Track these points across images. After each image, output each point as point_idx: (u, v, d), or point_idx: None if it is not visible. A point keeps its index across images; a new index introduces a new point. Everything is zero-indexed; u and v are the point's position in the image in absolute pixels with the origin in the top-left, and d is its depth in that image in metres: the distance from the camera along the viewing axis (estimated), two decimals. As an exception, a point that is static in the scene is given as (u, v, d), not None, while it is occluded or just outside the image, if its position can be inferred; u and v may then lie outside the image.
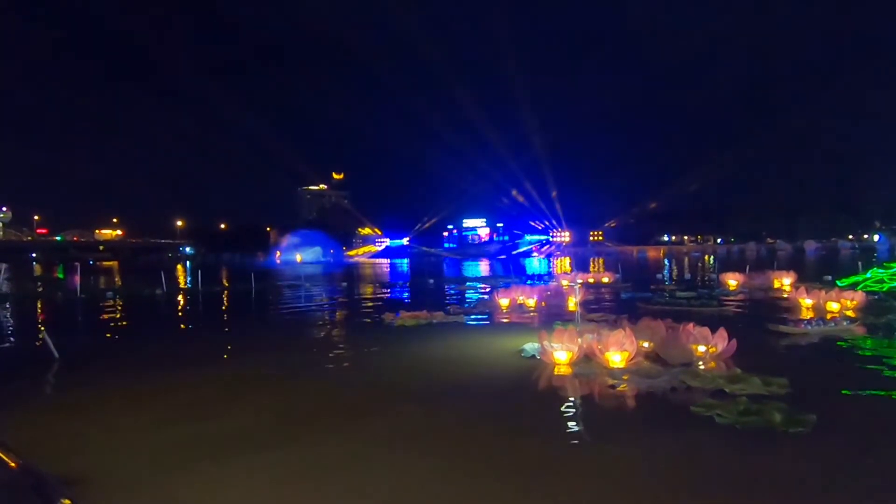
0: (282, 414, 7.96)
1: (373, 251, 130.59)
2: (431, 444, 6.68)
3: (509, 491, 5.39)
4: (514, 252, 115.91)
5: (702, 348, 10.04)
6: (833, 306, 16.48)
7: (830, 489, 5.31)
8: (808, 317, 15.61)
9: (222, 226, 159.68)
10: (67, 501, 2.14)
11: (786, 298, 20.72)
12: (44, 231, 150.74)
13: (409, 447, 6.59)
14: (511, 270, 43.88)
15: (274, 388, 9.53)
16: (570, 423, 7.46)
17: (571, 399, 8.47)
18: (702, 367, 9.64)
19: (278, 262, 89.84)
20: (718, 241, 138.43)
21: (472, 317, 18.00)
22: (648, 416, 7.63)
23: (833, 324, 14.05)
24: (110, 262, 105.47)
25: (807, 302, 17.60)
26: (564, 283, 27.21)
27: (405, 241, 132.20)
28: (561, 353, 10.21)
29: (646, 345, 10.50)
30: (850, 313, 15.79)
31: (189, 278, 45.02)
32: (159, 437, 7.00)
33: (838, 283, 21.40)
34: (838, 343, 12.36)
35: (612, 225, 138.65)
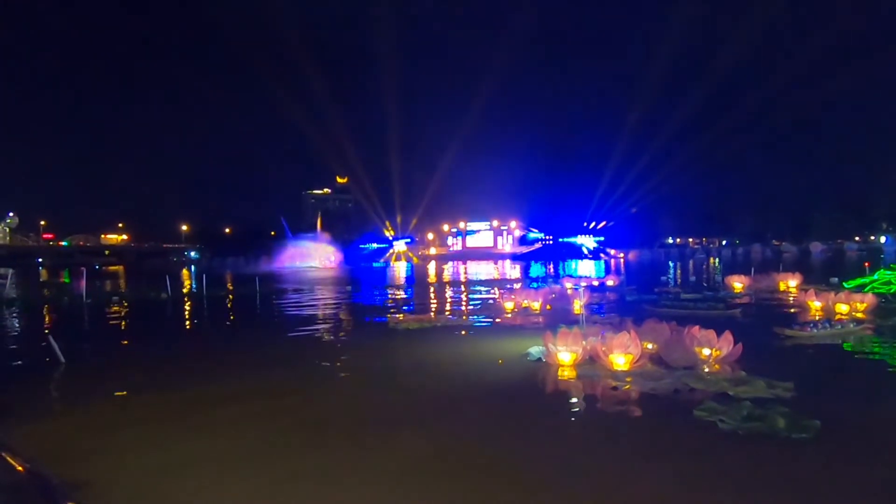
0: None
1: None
2: (437, 444, 6.68)
3: (510, 491, 5.40)
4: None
5: (706, 351, 10.01)
6: (842, 308, 16.37)
7: (831, 497, 5.27)
8: (816, 319, 15.52)
9: (227, 230, 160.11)
10: (73, 504, 2.16)
11: (792, 301, 20.63)
12: (50, 236, 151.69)
13: (414, 447, 6.61)
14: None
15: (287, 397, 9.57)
16: (572, 425, 7.45)
17: (574, 401, 8.45)
18: (706, 370, 9.61)
19: (282, 266, 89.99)
20: (723, 242, 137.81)
21: (477, 319, 17.98)
22: (651, 419, 7.60)
23: (840, 326, 13.95)
24: (116, 267, 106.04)
25: (816, 304, 17.50)
26: (569, 285, 27.16)
27: (401, 244, 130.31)
28: (565, 356, 10.19)
29: (650, 346, 10.47)
30: (860, 315, 15.69)
31: (194, 282, 45.15)
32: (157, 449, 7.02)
33: (845, 284, 21.29)
34: (846, 346, 12.29)
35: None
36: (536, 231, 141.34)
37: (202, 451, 6.75)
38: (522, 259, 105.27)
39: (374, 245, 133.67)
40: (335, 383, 10.27)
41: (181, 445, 6.86)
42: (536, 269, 61.70)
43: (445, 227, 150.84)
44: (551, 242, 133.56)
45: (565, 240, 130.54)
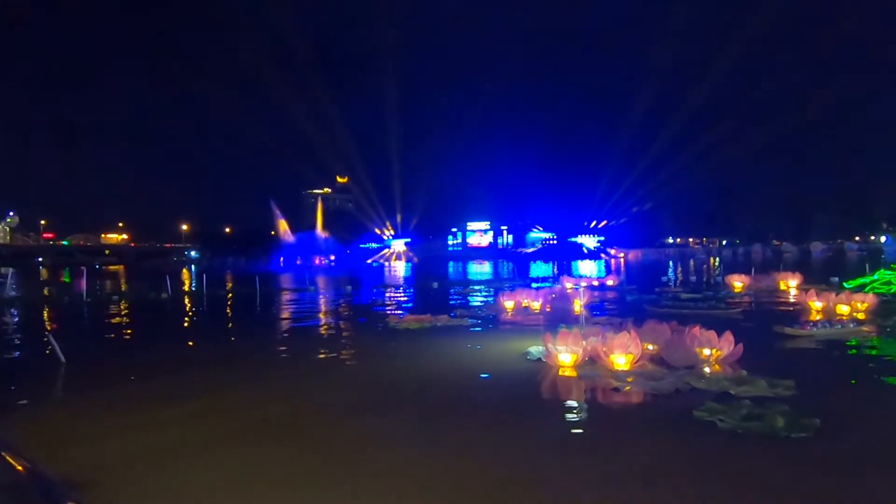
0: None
1: None
2: (437, 449, 6.68)
3: (511, 491, 5.39)
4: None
5: (707, 351, 10.00)
6: (843, 308, 16.37)
7: (830, 495, 5.26)
8: (817, 319, 15.53)
9: (227, 229, 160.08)
10: (74, 504, 2.16)
11: (793, 300, 20.63)
12: (50, 235, 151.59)
13: (413, 448, 6.60)
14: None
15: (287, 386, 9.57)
16: (573, 427, 7.45)
17: (574, 402, 8.44)
18: (707, 370, 9.61)
19: (282, 265, 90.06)
20: (724, 242, 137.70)
21: (477, 319, 17.97)
22: (651, 420, 7.60)
23: (840, 326, 13.96)
24: (116, 266, 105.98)
25: (816, 304, 17.50)
26: (569, 285, 27.16)
27: (400, 243, 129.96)
28: (565, 356, 10.18)
29: (650, 347, 10.46)
30: (860, 316, 15.69)
31: (194, 282, 45.18)
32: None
33: (845, 284, 21.28)
34: (846, 345, 12.28)
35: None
36: (538, 230, 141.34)
37: (193, 436, 6.96)
38: (523, 259, 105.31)
39: (374, 245, 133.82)
40: (337, 383, 10.26)
41: (176, 433, 6.90)
42: (536, 269, 61.82)
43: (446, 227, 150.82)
44: (554, 242, 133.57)
45: (571, 240, 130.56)
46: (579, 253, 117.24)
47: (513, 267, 66.92)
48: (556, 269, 58.20)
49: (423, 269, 74.28)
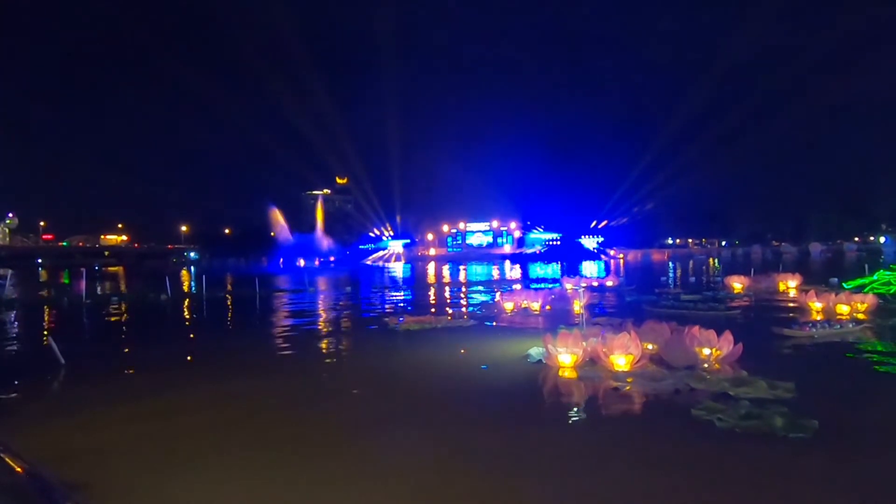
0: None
1: None
2: (435, 450, 6.67)
3: (512, 491, 5.39)
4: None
5: (707, 351, 10.00)
6: (843, 309, 16.38)
7: (824, 497, 5.26)
8: (816, 319, 15.53)
9: (226, 231, 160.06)
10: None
11: (792, 301, 20.64)
12: (49, 237, 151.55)
13: (415, 449, 6.60)
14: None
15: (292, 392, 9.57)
16: (573, 427, 7.44)
17: (575, 403, 8.44)
18: (707, 368, 9.61)
19: (281, 266, 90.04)
20: (723, 243, 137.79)
21: (477, 320, 17.97)
22: (651, 420, 7.60)
23: (840, 326, 13.96)
24: (115, 268, 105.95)
25: (816, 305, 17.51)
26: (569, 286, 27.17)
27: (398, 244, 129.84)
28: (566, 357, 10.18)
29: (650, 347, 10.47)
30: (861, 316, 15.70)
31: (193, 283, 45.16)
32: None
33: (845, 285, 21.29)
34: (846, 346, 12.28)
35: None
36: (539, 231, 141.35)
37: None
38: (522, 260, 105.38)
39: (373, 246, 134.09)
40: (338, 384, 10.26)
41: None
42: (535, 270, 61.87)
43: (445, 228, 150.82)
44: (558, 243, 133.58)
45: (577, 240, 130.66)
46: (582, 254, 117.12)
47: (513, 268, 67.02)
48: (551, 271, 58.31)
49: (423, 269, 74.30)
